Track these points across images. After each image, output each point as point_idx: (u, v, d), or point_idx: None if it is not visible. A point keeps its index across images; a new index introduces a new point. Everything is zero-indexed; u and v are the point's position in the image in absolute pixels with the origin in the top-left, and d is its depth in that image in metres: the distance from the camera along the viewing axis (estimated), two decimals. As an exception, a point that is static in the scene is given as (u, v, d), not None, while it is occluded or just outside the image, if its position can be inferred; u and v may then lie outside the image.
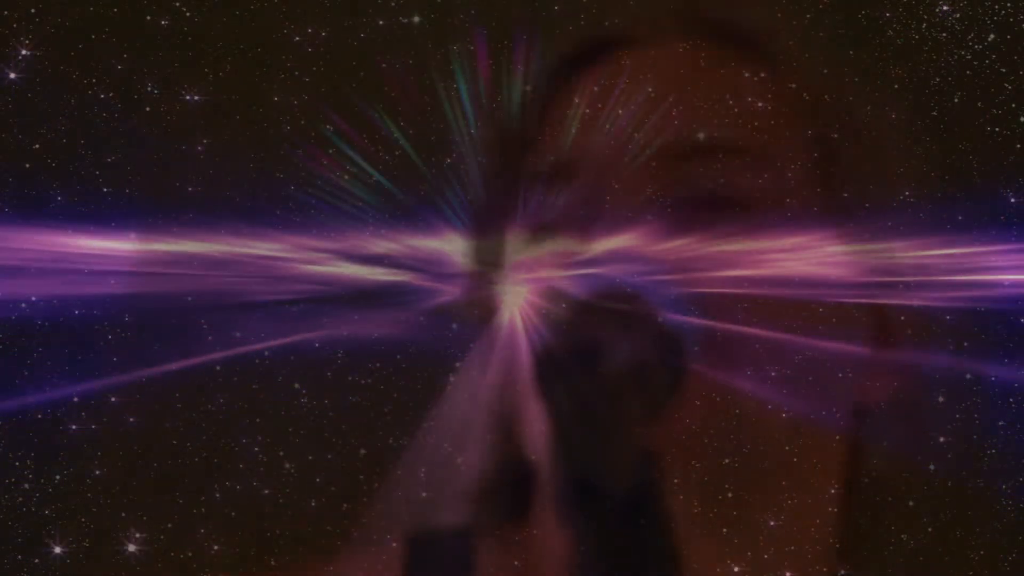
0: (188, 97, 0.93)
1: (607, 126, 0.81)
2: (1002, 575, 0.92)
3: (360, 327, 0.90)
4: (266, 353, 0.91)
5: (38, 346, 0.90)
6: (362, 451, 0.89)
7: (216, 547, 0.88)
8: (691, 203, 0.81)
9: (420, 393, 0.88)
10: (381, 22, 0.94)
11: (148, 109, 0.93)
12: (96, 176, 0.92)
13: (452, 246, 0.84)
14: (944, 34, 0.95)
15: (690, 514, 0.80)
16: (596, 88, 0.82)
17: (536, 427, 0.75)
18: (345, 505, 0.87)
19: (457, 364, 0.83)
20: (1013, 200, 0.92)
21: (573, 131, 0.82)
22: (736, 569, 0.82)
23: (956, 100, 0.95)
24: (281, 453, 0.91)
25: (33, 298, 0.88)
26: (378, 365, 0.90)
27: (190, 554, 0.89)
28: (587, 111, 0.81)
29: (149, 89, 0.93)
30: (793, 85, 0.86)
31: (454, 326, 0.84)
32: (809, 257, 0.82)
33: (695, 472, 0.81)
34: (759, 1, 0.89)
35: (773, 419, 0.87)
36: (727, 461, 0.83)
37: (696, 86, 0.83)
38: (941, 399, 0.91)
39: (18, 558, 0.90)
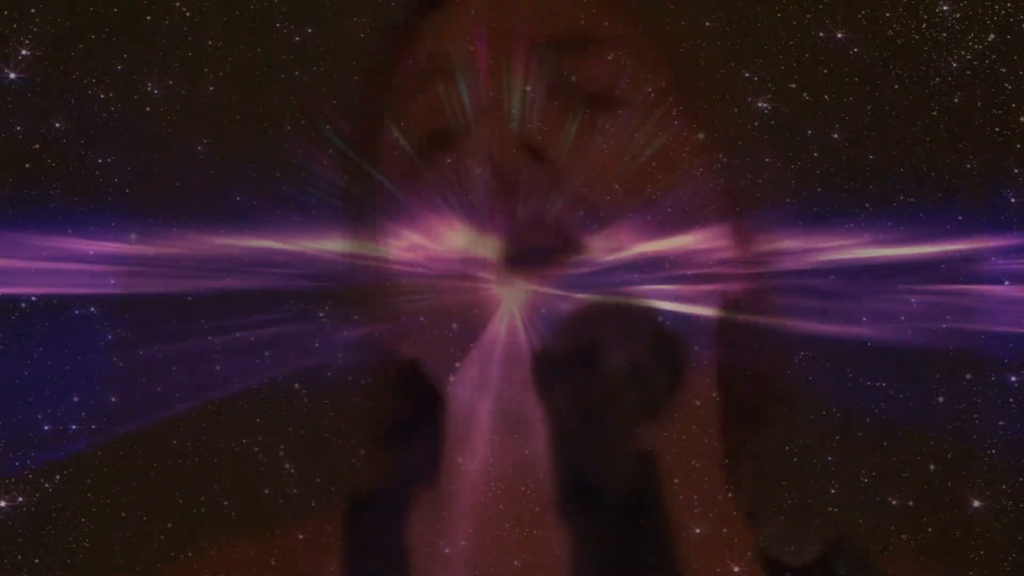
0: (188, 97, 0.93)
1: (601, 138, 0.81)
2: (1002, 575, 0.92)
3: (360, 326, 0.90)
4: (266, 353, 0.91)
5: (38, 346, 0.90)
6: (362, 451, 0.89)
7: (216, 547, 0.88)
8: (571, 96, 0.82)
9: (420, 393, 0.88)
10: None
11: (148, 109, 0.93)
12: (96, 176, 0.92)
13: (451, 246, 0.84)
14: (944, 34, 0.94)
15: (690, 514, 0.80)
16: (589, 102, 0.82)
17: (536, 427, 0.75)
18: (345, 505, 0.87)
19: (457, 364, 0.83)
20: (1013, 200, 0.92)
21: (571, 135, 0.82)
22: (736, 569, 0.82)
23: (956, 100, 0.95)
24: (281, 453, 0.91)
25: (33, 298, 0.88)
26: (378, 365, 0.90)
27: (190, 554, 0.89)
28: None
29: (149, 89, 0.93)
30: None
31: (454, 326, 0.84)
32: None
33: (695, 472, 0.81)
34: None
35: (773, 417, 0.87)
36: (727, 461, 0.83)
37: None
38: (941, 399, 0.91)
39: (18, 558, 0.90)
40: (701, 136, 0.83)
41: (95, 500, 0.91)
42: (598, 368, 0.71)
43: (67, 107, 0.92)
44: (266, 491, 0.91)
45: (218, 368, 0.91)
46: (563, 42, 0.82)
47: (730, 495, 0.84)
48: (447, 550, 0.81)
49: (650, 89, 0.83)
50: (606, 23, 0.84)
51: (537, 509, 0.79)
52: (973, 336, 0.91)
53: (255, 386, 0.91)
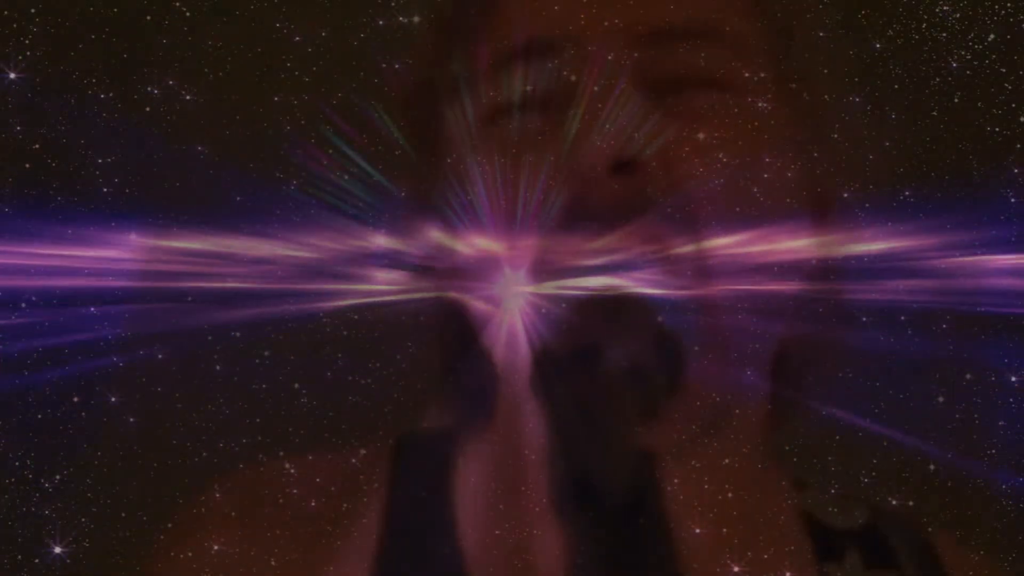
0: (188, 97, 0.93)
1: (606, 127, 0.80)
2: (1002, 575, 0.92)
3: (360, 326, 0.90)
4: (266, 353, 0.91)
5: (38, 346, 0.90)
6: (362, 451, 0.89)
7: (216, 547, 0.88)
8: (665, 86, 0.79)
9: (420, 393, 0.88)
10: (381, 22, 0.94)
11: (148, 109, 0.93)
12: (96, 176, 0.92)
13: (451, 245, 0.84)
14: (944, 34, 0.95)
15: (690, 514, 0.80)
16: (597, 88, 0.81)
17: (535, 427, 0.75)
18: (345, 505, 0.87)
19: (457, 364, 0.83)
20: (1013, 200, 0.92)
21: (575, 128, 0.82)
22: (736, 569, 0.82)
23: (956, 100, 0.95)
24: (281, 453, 0.91)
25: (33, 298, 0.88)
26: (378, 365, 0.90)
27: (190, 554, 0.89)
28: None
29: (149, 89, 0.93)
30: None
31: (454, 326, 0.84)
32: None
33: (695, 472, 0.81)
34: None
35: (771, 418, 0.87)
36: (727, 461, 0.83)
37: None
38: (941, 399, 0.91)
39: (18, 558, 0.90)
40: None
41: (95, 500, 0.92)
42: (598, 368, 0.71)
43: (67, 107, 0.92)
44: (266, 491, 0.91)
45: (218, 368, 0.91)
46: (678, 32, 0.80)
47: (731, 496, 0.84)
48: (446, 550, 0.81)
49: (750, 76, 0.81)
50: (727, 16, 0.82)
51: (537, 509, 0.79)
52: (973, 336, 0.91)
53: (255, 386, 0.91)
